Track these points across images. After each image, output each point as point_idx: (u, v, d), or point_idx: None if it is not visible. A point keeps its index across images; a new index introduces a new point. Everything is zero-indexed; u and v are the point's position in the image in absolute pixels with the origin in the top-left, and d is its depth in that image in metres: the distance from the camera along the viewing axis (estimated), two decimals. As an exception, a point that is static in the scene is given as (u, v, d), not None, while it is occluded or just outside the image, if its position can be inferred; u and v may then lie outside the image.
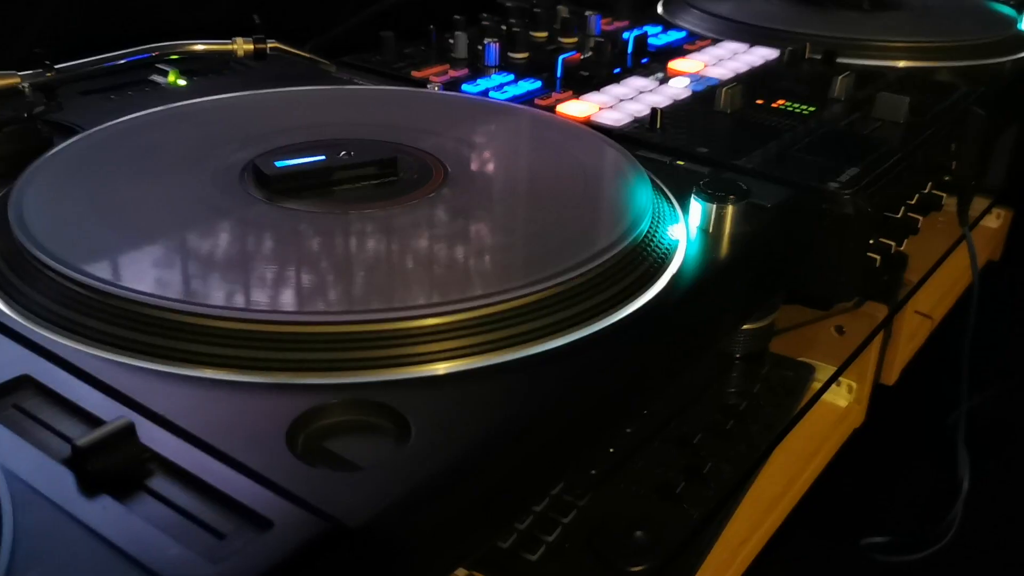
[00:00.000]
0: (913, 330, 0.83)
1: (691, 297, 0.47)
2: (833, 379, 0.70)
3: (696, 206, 0.52)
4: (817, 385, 0.70)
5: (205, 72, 0.74)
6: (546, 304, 0.42)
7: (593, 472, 0.59)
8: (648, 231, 0.49)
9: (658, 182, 0.56)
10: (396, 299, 0.40)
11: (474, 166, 0.55)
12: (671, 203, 0.54)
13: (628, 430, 0.62)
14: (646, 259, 0.47)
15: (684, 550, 0.55)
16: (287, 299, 0.40)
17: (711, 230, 0.51)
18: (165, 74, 0.71)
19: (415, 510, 0.33)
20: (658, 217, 0.51)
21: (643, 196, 0.51)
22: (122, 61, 0.62)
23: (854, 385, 0.73)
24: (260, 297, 0.40)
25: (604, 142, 0.58)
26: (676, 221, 0.52)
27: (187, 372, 0.36)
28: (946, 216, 0.79)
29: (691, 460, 0.60)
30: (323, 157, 0.52)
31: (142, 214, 0.47)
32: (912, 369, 0.83)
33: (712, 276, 0.49)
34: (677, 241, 0.50)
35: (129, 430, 0.32)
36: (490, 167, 0.56)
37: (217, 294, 0.40)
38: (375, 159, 0.51)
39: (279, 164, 0.51)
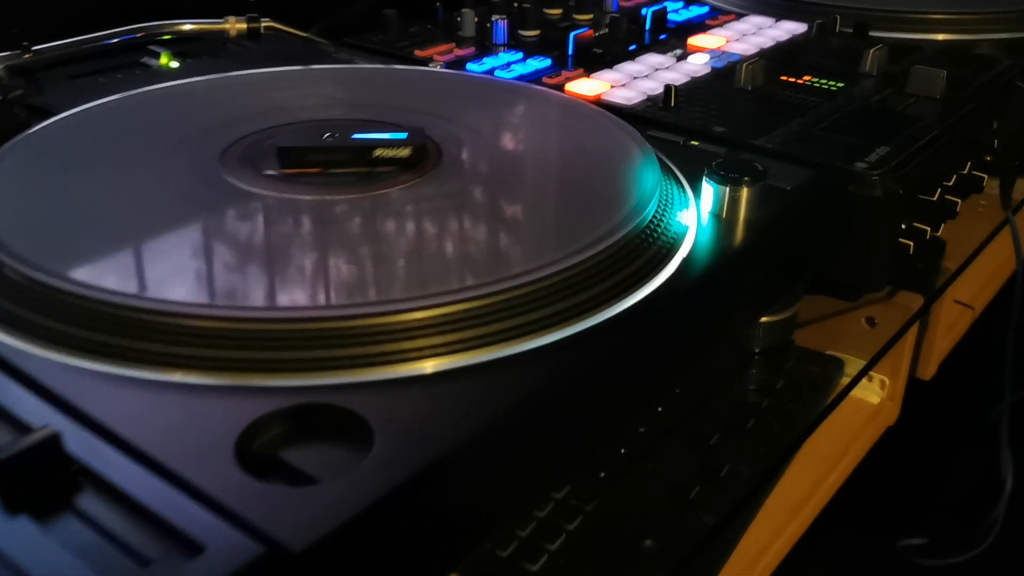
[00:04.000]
0: (952, 321, 0.78)
1: (700, 288, 0.43)
2: (863, 373, 0.65)
3: (708, 189, 0.47)
4: (846, 380, 0.65)
5: (200, 54, 0.70)
6: (536, 297, 0.38)
7: (602, 474, 0.55)
8: (654, 217, 0.45)
9: (668, 164, 0.52)
10: (365, 293, 0.37)
11: (469, 148, 0.51)
12: (682, 186, 0.50)
13: (641, 429, 0.58)
14: (651, 247, 0.43)
15: (696, 560, 0.51)
16: (246, 293, 0.36)
17: (724, 215, 0.47)
18: (157, 56, 0.68)
19: (374, 529, 0.29)
20: (666, 201, 0.47)
21: (649, 179, 0.47)
22: (105, 42, 0.59)
23: (887, 380, 0.68)
24: (215, 290, 0.36)
25: (610, 121, 0.54)
26: (687, 206, 0.48)
27: (131, 373, 0.33)
28: (988, 199, 0.74)
29: (707, 462, 0.56)
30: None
31: (96, 202, 0.44)
32: (951, 362, 0.78)
33: (724, 265, 0.45)
34: (687, 227, 0.46)
35: (53, 441, 0.28)
36: (486, 148, 0.52)
37: (166, 287, 0.36)
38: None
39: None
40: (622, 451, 0.56)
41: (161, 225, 0.42)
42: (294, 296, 0.36)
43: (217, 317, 0.34)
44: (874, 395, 0.69)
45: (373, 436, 0.32)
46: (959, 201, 0.61)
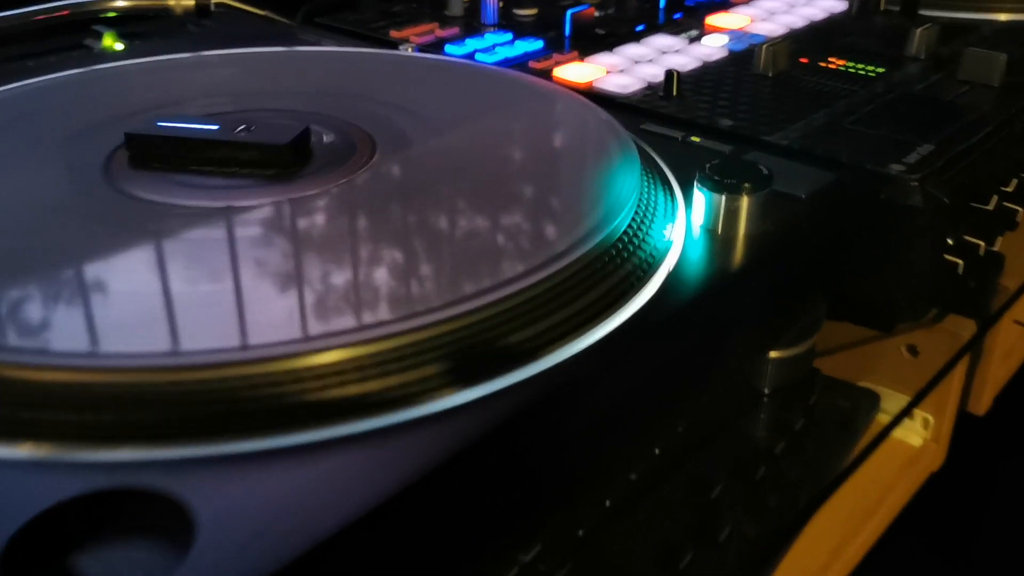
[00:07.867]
0: (1010, 346, 0.68)
1: (681, 322, 0.34)
2: (906, 412, 0.55)
3: (700, 198, 0.38)
4: (884, 419, 0.55)
5: (151, 35, 0.63)
6: (448, 341, 0.29)
7: (580, 532, 0.46)
8: (626, 232, 0.36)
9: (659, 164, 0.43)
10: (205, 337, 0.28)
11: (407, 144, 0.42)
12: (671, 193, 0.41)
13: (632, 476, 0.49)
14: (618, 271, 0.34)
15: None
16: (37, 332, 0.28)
17: (720, 230, 0.38)
18: (100, 37, 0.60)
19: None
20: (646, 212, 0.38)
21: (625, 184, 0.38)
22: (24, 21, 0.52)
23: (931, 419, 0.58)
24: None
25: (587, 112, 0.45)
26: (674, 218, 0.39)
27: None
28: (1056, 206, 0.63)
29: (705, 518, 0.47)
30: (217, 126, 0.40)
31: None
32: (1009, 394, 0.68)
33: (715, 293, 0.36)
34: (670, 243, 0.37)
35: None
36: (428, 145, 0.43)
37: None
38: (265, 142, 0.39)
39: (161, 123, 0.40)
40: (607, 503, 0.48)
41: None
42: (104, 339, 0.28)
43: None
44: (915, 436, 0.59)
45: (195, 532, 0.24)
46: (1020, 210, 0.51)
